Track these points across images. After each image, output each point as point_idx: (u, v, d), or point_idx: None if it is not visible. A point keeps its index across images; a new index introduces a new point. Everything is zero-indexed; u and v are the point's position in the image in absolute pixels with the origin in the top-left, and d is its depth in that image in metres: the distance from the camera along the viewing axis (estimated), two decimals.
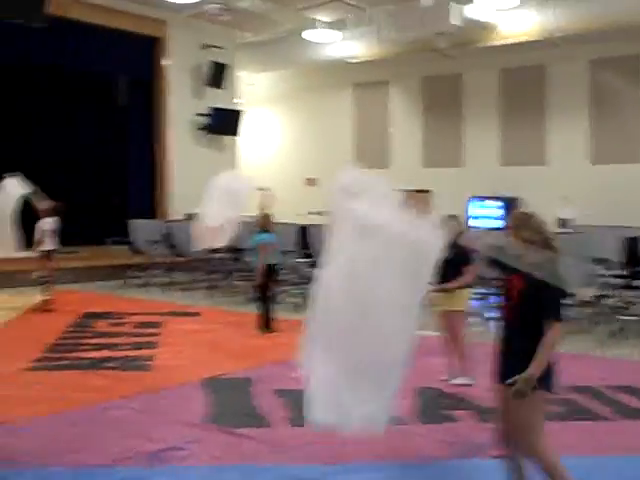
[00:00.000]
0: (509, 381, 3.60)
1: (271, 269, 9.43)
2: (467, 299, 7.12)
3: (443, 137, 20.39)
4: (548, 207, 18.18)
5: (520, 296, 3.71)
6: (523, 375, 3.59)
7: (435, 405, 6.26)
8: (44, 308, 10.41)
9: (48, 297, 10.52)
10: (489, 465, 4.85)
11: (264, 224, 9.44)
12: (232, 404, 6.17)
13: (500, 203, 18.66)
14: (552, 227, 16.54)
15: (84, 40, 16.60)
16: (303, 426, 5.54)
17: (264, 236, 9.32)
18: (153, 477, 4.47)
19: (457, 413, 5.99)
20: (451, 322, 6.86)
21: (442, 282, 6.74)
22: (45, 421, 5.49)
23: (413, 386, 6.57)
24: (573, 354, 8.91)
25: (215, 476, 4.49)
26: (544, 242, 3.75)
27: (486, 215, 18.81)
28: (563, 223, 17.84)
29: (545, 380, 3.70)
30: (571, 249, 11.12)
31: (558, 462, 3.74)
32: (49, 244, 10.45)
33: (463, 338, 6.87)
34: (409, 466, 4.79)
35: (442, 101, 20.49)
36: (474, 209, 19.09)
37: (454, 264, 6.59)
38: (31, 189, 10.71)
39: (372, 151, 21.48)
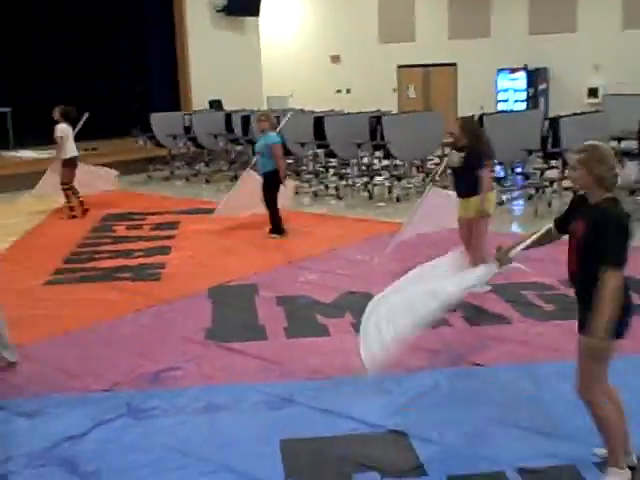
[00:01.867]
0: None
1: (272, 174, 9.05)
2: (493, 203, 6.89)
3: (470, 7, 19.66)
4: (578, 76, 17.81)
5: (582, 241, 3.48)
6: (593, 339, 3.40)
7: None
8: (70, 214, 10.68)
9: (73, 204, 10.75)
10: (465, 373, 5.09)
11: (270, 124, 9.25)
12: (234, 315, 6.42)
13: (525, 74, 18.22)
14: (582, 98, 16.25)
15: None
16: (298, 337, 5.88)
17: (273, 137, 9.11)
18: (149, 401, 4.76)
19: (450, 317, 6.16)
20: (477, 228, 6.61)
21: (459, 189, 6.66)
22: (51, 344, 5.77)
23: None
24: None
25: (204, 397, 4.76)
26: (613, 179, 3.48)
27: (513, 88, 18.43)
28: (593, 92, 17.43)
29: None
30: (598, 124, 11.05)
31: (609, 414, 3.57)
32: (68, 151, 10.58)
33: (483, 243, 6.62)
34: (394, 379, 5.02)
35: None
36: (502, 82, 18.68)
37: (468, 169, 6.48)
38: None
39: (397, 25, 20.89)
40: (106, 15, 18.53)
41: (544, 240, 3.84)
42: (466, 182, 6.59)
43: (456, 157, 6.68)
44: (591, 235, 3.43)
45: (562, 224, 3.72)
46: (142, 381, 5.08)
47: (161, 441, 4.28)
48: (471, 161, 6.53)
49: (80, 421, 4.50)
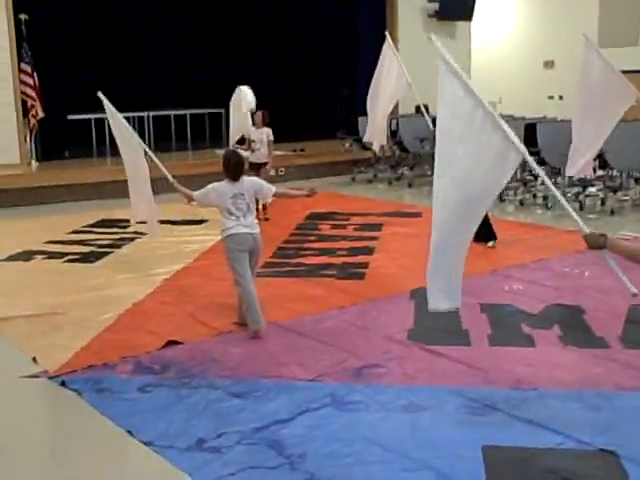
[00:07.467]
0: None
1: None
2: None
3: None
4: None
5: None
6: None
7: None
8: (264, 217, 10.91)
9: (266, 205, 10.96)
10: None
11: None
12: (437, 318, 6.36)
13: None
14: None
15: None
16: (502, 346, 5.77)
17: None
18: (352, 394, 4.87)
19: None
20: None
21: None
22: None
23: (621, 305, 6.46)
24: None
25: (405, 396, 4.80)
26: None
27: None
28: None
29: None
30: None
31: None
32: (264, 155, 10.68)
33: None
34: (604, 396, 4.80)
35: None
36: None
37: None
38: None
39: (620, 27, 19.86)
40: (318, 19, 19.04)
41: None
42: None
43: None
44: None
45: None
46: (346, 375, 5.20)
47: (363, 434, 4.35)
48: None
49: (287, 407, 4.68)
